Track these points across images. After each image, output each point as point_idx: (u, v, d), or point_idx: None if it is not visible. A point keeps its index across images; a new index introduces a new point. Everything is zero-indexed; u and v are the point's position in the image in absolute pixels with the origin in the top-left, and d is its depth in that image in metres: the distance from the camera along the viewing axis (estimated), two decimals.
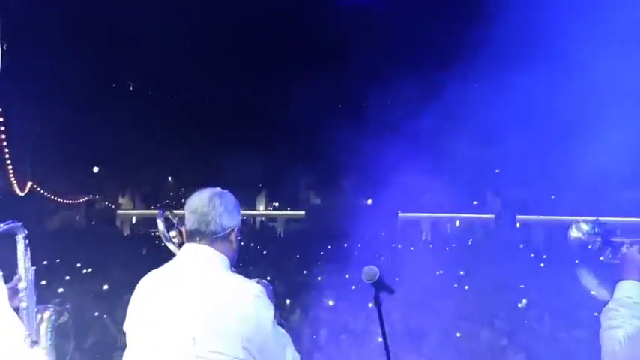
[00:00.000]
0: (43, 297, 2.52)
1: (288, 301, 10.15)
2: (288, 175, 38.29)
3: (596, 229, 2.27)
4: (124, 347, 2.10)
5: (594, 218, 2.34)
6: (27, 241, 2.42)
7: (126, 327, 2.10)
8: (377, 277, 2.27)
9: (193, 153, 36.78)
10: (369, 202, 31.74)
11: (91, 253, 17.12)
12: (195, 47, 32.97)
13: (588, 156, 10.40)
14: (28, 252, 2.43)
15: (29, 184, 29.07)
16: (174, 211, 2.45)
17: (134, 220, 42.69)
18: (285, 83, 34.15)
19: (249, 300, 1.94)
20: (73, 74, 29.12)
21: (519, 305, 10.20)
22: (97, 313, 8.71)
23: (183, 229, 2.14)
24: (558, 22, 9.22)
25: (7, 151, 25.49)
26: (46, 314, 2.51)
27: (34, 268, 2.44)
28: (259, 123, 35.56)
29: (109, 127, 29.97)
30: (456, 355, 7.41)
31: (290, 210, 42.03)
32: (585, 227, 2.28)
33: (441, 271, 13.07)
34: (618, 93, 8.45)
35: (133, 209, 43.45)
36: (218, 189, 2.14)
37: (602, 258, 2.25)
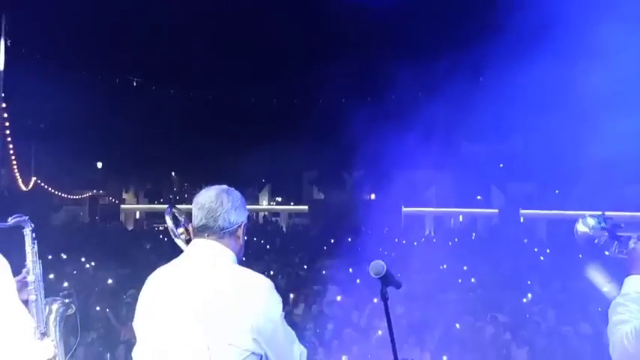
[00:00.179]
0: (48, 290, 2.53)
1: (292, 295, 10.18)
2: (292, 169, 38.29)
3: (603, 224, 2.25)
4: (126, 341, 2.11)
5: (600, 213, 2.33)
6: (34, 235, 2.44)
7: (135, 324, 2.12)
8: (384, 271, 2.27)
9: (197, 148, 36.79)
10: (373, 196, 31.70)
11: (94, 247, 17.20)
12: (199, 42, 32.94)
13: (593, 150, 10.35)
14: (35, 245, 2.45)
15: (33, 179, 29.13)
16: (179, 206, 2.47)
17: (138, 215, 42.79)
18: (288, 79, 34.15)
19: (260, 293, 1.98)
20: (77, 70, 29.18)
21: (524, 300, 10.19)
22: (98, 308, 8.72)
23: (189, 227, 2.18)
24: (560, 18, 9.17)
25: (11, 146, 25.55)
26: (54, 306, 2.53)
27: (40, 261, 2.46)
28: (263, 118, 35.54)
29: (113, 123, 30.00)
30: (460, 349, 7.41)
31: (293, 205, 41.99)
32: (592, 222, 2.26)
33: (445, 266, 13.07)
34: (624, 87, 8.40)
35: (137, 204, 43.52)
36: (225, 186, 2.17)
37: (607, 253, 2.24)
